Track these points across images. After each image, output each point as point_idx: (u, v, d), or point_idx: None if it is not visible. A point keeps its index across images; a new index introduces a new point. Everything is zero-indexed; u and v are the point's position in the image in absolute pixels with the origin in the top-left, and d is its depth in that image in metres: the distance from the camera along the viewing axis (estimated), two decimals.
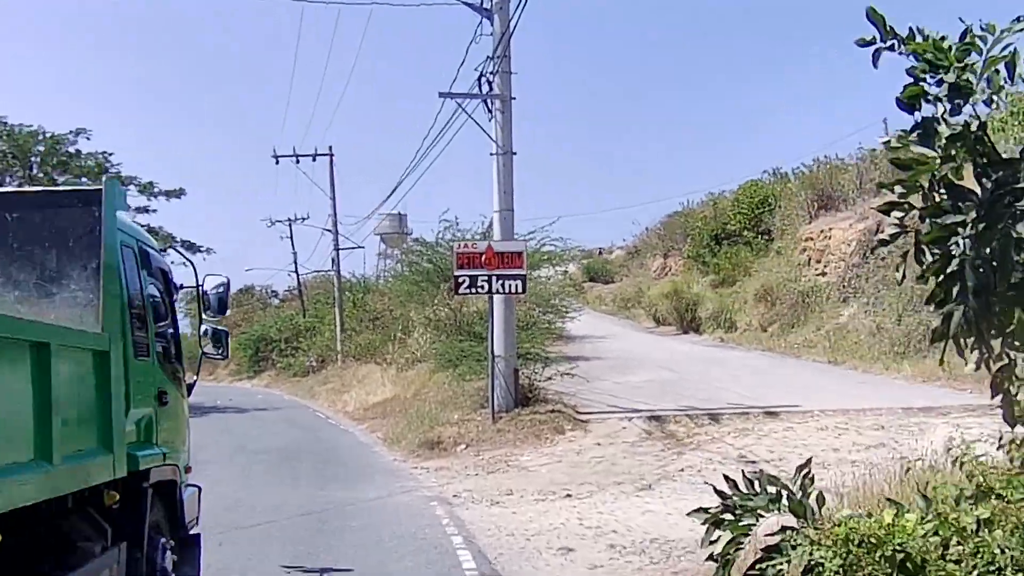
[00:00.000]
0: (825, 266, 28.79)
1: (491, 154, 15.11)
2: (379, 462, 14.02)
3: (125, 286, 5.38)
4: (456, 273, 14.60)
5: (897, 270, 4.77)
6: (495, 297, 14.89)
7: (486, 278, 14.50)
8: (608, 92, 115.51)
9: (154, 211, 30.18)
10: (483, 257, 14.46)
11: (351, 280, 38.68)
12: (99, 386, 4.61)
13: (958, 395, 15.78)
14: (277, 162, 37.81)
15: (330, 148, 38.72)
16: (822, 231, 29.66)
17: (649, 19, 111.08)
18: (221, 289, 7.06)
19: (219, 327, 7.47)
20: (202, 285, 6.93)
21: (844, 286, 26.66)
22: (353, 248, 39.37)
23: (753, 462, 11.29)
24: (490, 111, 15.14)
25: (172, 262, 7.28)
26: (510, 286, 14.57)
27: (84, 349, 4.52)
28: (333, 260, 38.24)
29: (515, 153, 15.09)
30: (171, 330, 6.37)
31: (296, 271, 48.70)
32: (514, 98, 15.07)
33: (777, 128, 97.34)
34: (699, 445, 12.76)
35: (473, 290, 14.59)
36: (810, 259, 29.82)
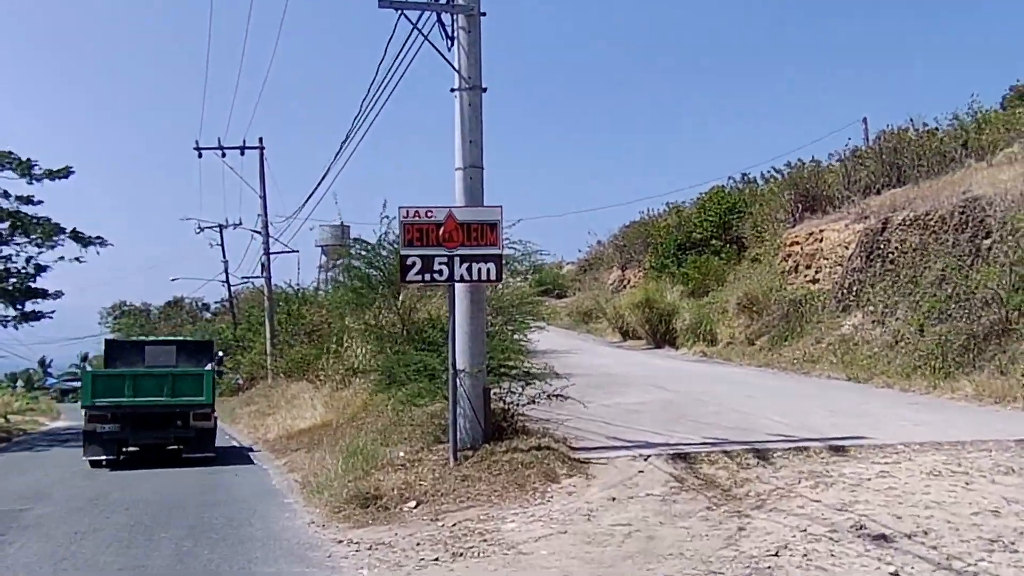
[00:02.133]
0: (817, 272, 24.63)
1: (452, 90, 10.50)
2: (285, 532, 9.02)
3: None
4: (404, 252, 9.92)
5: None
6: (458, 288, 10.26)
7: (445, 259, 9.85)
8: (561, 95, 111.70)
9: (39, 202, 25.34)
10: (441, 230, 9.81)
11: (285, 290, 33.58)
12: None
13: None
14: (200, 155, 32.74)
15: (260, 140, 33.68)
16: (811, 234, 25.51)
17: (611, 23, 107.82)
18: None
19: None
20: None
21: (844, 293, 22.46)
22: (285, 252, 34.32)
23: (884, 537, 6.79)
24: (451, 35, 10.55)
25: None
26: (480, 271, 9.94)
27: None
28: (263, 266, 33.09)
29: (485, 89, 10.50)
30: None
31: (227, 280, 43.43)
32: (484, 13, 10.48)
33: (732, 136, 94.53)
34: (766, 502, 8.22)
35: (427, 276, 9.89)
36: (797, 265, 25.65)
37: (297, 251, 38.54)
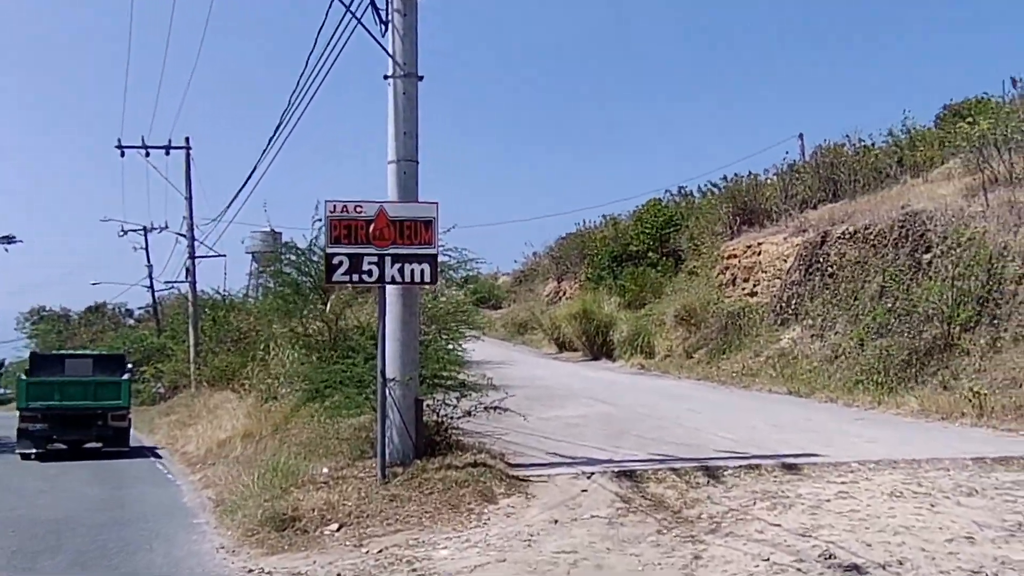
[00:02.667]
0: (755, 285, 24.23)
1: (386, 78, 9.63)
2: (189, 559, 7.92)
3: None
4: (330, 250, 9.01)
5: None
6: (389, 291, 9.37)
7: (375, 259, 8.95)
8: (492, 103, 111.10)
9: None
10: (372, 227, 8.93)
11: (212, 296, 32.14)
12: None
13: (1013, 440, 11.11)
14: (122, 154, 31.20)
15: (187, 140, 32.17)
16: (749, 247, 25.15)
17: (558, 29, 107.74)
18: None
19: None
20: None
21: (783, 306, 22.08)
22: (211, 257, 32.85)
23: (856, 568, 6.09)
24: (385, 20, 9.69)
25: None
26: (413, 272, 9.07)
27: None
28: (188, 270, 31.61)
29: (422, 77, 9.66)
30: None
31: (151, 286, 41.70)
32: None
33: (669, 150, 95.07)
34: (721, 525, 7.49)
35: (355, 276, 8.99)
36: (735, 278, 25.25)
37: (224, 255, 37.02)
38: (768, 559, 6.38)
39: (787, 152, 49.92)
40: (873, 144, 26.45)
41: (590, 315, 27.76)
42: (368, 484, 9.02)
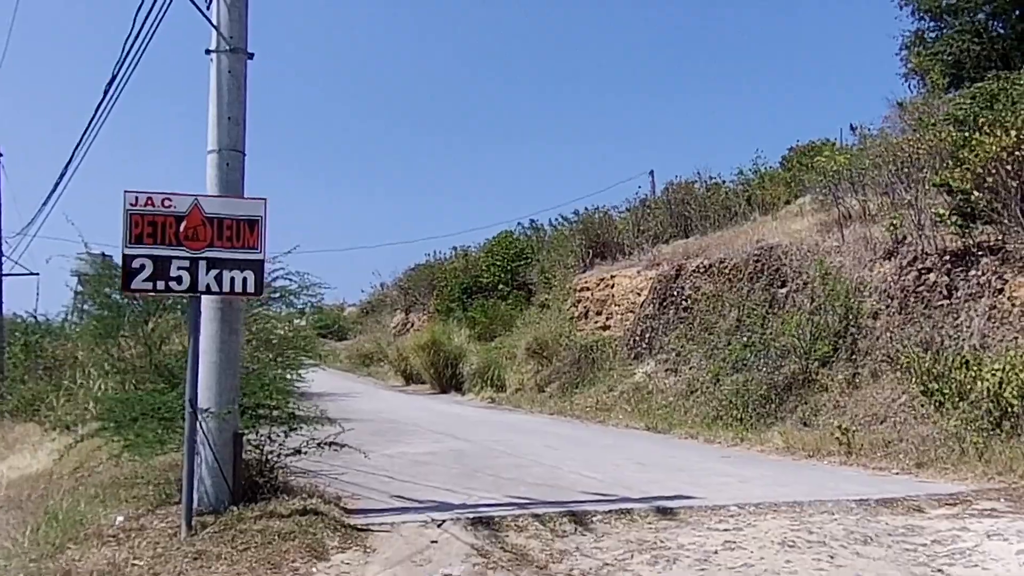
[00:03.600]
0: (608, 318, 23.47)
1: (208, 52, 8.00)
2: None
3: None
4: (128, 251, 7.26)
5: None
6: (205, 303, 7.70)
7: (187, 263, 7.28)
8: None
9: None
10: (183, 225, 7.26)
11: (25, 319, 28.82)
12: None
13: (886, 479, 10.40)
14: None
15: None
16: (602, 279, 24.42)
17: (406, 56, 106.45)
18: None
19: None
20: None
21: (636, 340, 21.35)
22: (22, 275, 29.54)
23: None
24: None
25: None
26: (234, 280, 7.44)
27: None
28: None
29: (252, 55, 8.09)
30: None
31: None
32: None
33: (520, 183, 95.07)
34: None
35: (160, 284, 7.24)
36: (588, 311, 24.45)
37: (37, 274, 33.43)
38: None
39: (639, 187, 50.40)
40: (723, 182, 26.41)
41: (439, 346, 26.35)
42: (168, 537, 7.24)
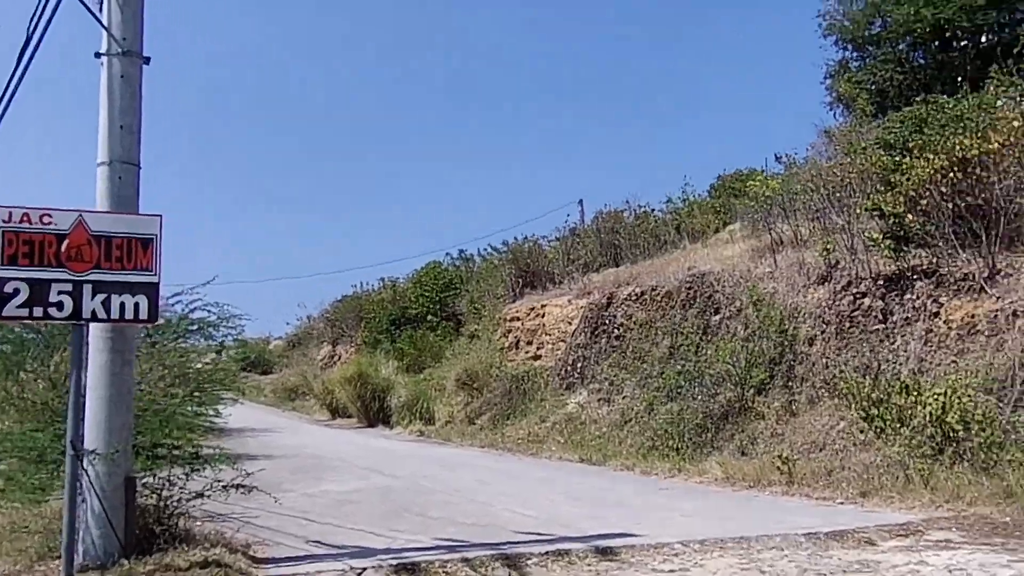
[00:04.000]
0: (539, 348, 22.86)
1: (99, 55, 7.19)
2: None
3: None
4: (1, 273, 6.39)
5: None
6: (94, 331, 6.83)
7: (68, 287, 6.43)
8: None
9: None
10: (65, 244, 6.42)
11: None
12: None
13: (832, 509, 9.92)
14: None
15: None
16: (532, 309, 23.84)
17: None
18: None
19: None
20: None
21: (568, 370, 20.78)
22: None
23: None
24: None
25: None
26: (125, 306, 6.59)
27: None
28: None
29: (148, 59, 7.30)
30: None
31: None
32: None
33: (445, 213, 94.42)
34: None
35: (38, 310, 6.36)
36: (518, 341, 23.81)
37: None
38: None
39: (568, 215, 50.22)
40: (653, 210, 26.18)
41: (366, 379, 25.39)
42: None
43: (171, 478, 7.71)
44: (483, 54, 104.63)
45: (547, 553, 7.49)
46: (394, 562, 7.17)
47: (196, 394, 11.92)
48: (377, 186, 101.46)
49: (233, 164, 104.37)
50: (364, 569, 7.02)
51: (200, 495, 7.74)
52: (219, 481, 7.96)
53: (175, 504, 7.62)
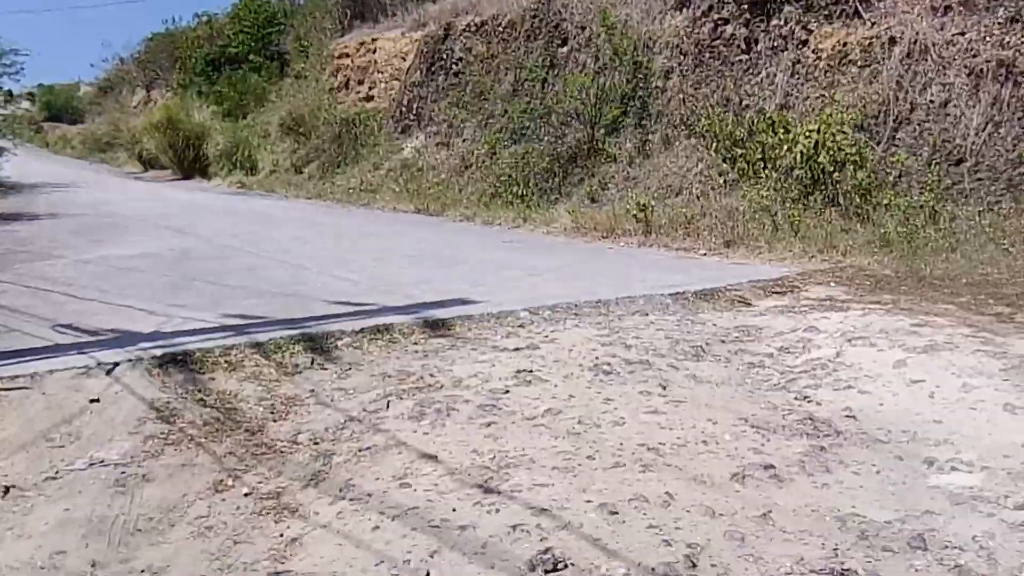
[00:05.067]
0: (371, 88, 20.50)
1: None
2: None
3: None
4: None
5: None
6: None
7: None
8: None
9: None
10: None
11: None
12: None
13: (695, 262, 8.77)
14: None
15: None
16: (363, 44, 21.19)
17: None
18: None
19: None
20: None
21: (403, 111, 18.69)
22: None
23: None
24: None
25: None
26: None
27: None
28: None
29: None
30: None
31: None
32: None
33: None
34: (333, 462, 3.94)
35: None
36: (348, 80, 21.31)
37: None
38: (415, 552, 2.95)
39: None
40: None
41: (177, 125, 22.40)
42: None
43: None
44: None
45: (363, 331, 5.90)
46: (159, 352, 5.40)
47: None
48: None
49: None
50: (117, 364, 5.23)
51: None
52: None
53: None
